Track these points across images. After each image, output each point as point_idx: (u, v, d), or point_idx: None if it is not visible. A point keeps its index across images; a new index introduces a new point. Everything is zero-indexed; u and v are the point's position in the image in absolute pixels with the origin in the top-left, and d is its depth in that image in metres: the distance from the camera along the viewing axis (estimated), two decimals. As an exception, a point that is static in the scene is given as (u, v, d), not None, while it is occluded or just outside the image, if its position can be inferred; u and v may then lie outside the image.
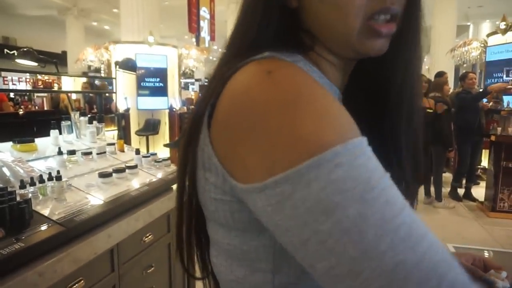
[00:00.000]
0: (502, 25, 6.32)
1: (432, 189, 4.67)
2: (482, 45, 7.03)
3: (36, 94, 8.73)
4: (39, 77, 7.72)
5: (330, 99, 0.35)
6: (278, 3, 0.43)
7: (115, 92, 4.78)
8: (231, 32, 0.47)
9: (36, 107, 6.74)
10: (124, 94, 6.11)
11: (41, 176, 1.47)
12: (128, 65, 4.71)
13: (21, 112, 5.85)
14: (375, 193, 0.30)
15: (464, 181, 4.99)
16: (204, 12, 8.87)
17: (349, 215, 0.29)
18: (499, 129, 4.23)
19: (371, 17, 0.41)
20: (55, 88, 7.50)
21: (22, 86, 8.24)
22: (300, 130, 0.32)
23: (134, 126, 6.72)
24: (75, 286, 1.25)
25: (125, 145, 2.34)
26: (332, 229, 0.29)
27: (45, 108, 6.53)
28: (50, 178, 1.47)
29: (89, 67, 9.92)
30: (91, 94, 7.12)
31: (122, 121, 4.75)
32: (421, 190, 4.85)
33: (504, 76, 4.59)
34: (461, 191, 4.89)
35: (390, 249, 0.29)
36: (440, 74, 5.06)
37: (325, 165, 0.30)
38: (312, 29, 0.44)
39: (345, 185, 0.30)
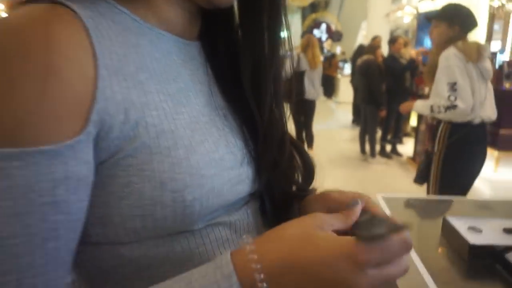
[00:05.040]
0: (432, -9, 6.63)
1: (367, 146, 4.96)
2: (414, 10, 7.37)
3: None
4: None
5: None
6: None
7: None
8: None
9: None
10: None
11: None
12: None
13: None
14: None
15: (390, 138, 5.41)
16: None
17: None
18: (426, 89, 4.54)
19: None
20: None
21: None
22: None
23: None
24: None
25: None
26: None
27: None
28: None
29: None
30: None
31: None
32: (357, 147, 5.13)
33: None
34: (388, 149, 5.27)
35: None
36: (373, 38, 5.33)
37: None
38: None
39: None
